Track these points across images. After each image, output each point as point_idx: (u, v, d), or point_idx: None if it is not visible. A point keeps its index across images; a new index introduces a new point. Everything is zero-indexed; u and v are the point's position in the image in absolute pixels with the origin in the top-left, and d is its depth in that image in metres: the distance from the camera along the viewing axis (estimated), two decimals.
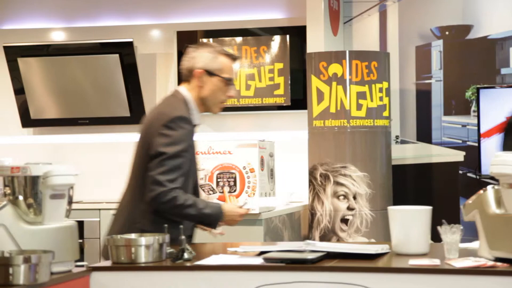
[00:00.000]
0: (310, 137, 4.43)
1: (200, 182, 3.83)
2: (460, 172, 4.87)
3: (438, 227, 2.28)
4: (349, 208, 4.29)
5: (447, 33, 4.86)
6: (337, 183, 4.30)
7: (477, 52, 4.80)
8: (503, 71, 4.74)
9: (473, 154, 4.66)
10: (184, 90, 2.77)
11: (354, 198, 4.29)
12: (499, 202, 2.22)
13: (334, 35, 4.86)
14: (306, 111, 4.46)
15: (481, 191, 2.28)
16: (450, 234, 2.28)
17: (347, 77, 4.29)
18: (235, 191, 3.89)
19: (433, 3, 4.90)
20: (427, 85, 4.90)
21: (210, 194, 3.92)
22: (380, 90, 4.33)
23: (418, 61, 4.93)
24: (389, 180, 4.45)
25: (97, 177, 4.90)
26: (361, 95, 4.29)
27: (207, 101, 2.77)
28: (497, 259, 2.12)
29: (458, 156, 4.89)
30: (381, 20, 4.97)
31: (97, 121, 5.13)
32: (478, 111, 4.51)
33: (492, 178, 4.47)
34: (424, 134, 5.00)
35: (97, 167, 4.99)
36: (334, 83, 4.29)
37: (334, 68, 4.30)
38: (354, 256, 2.27)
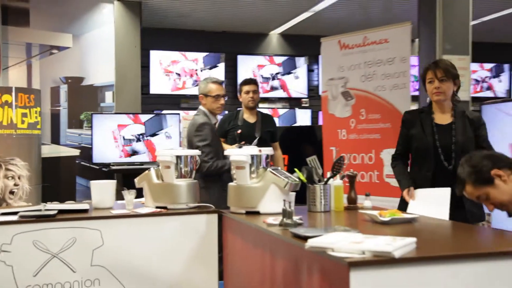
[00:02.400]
0: None
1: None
2: (77, 161, 6.80)
3: (122, 191, 3.01)
4: (15, 184, 6.38)
5: (69, 80, 7.06)
6: (7, 169, 6.27)
7: (87, 92, 7.10)
8: (102, 104, 7.13)
9: (87, 151, 6.78)
10: (201, 107, 4.00)
11: (19, 178, 6.36)
12: (158, 176, 3.16)
13: None
14: None
15: (147, 171, 3.20)
16: (129, 195, 2.92)
17: (13, 103, 6.37)
18: None
19: (60, 61, 6.99)
20: (58, 110, 7.04)
21: None
22: (36, 112, 6.61)
23: (53, 96, 6.98)
24: (40, 167, 6.46)
25: None
26: (24, 115, 6.50)
27: (211, 110, 3.98)
28: (158, 207, 3.02)
29: (76, 152, 6.86)
30: (29, 69, 6.90)
31: None
32: (91, 127, 6.68)
33: (99, 164, 6.87)
34: (56, 139, 6.86)
35: None
36: (5, 107, 6.26)
37: (5, 97, 6.24)
38: (74, 211, 2.90)
